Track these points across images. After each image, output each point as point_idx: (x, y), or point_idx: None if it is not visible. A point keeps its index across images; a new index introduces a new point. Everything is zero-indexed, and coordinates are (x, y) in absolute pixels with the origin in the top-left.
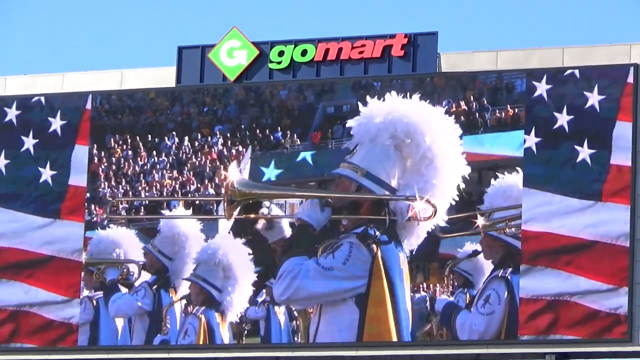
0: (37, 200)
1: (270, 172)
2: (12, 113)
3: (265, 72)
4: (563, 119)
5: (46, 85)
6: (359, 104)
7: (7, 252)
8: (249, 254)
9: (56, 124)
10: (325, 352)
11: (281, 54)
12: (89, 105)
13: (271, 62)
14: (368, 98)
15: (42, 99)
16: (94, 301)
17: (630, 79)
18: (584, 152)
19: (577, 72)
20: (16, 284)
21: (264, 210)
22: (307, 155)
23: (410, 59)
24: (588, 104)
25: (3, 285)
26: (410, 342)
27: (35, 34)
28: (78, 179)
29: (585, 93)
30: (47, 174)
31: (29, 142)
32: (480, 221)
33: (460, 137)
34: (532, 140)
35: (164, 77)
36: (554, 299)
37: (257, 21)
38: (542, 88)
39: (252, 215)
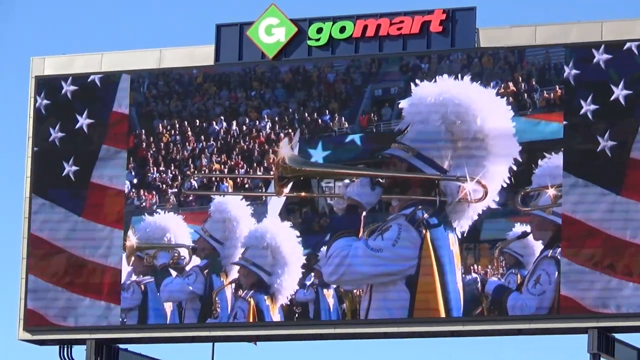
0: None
1: (318, 155)
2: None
3: (304, 49)
4: (588, 107)
5: (85, 65)
6: (410, 84)
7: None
8: (297, 237)
9: (84, 120)
10: (372, 329)
11: (319, 31)
12: (116, 107)
13: (309, 39)
14: (417, 81)
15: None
16: (142, 286)
17: None
18: (605, 143)
19: (602, 62)
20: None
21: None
22: (355, 137)
23: (448, 34)
24: (613, 97)
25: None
26: (444, 317)
27: (72, 13)
28: (114, 182)
29: (612, 86)
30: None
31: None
32: (539, 200)
33: (512, 119)
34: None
35: (202, 55)
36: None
37: None
38: (570, 69)
39: (303, 194)
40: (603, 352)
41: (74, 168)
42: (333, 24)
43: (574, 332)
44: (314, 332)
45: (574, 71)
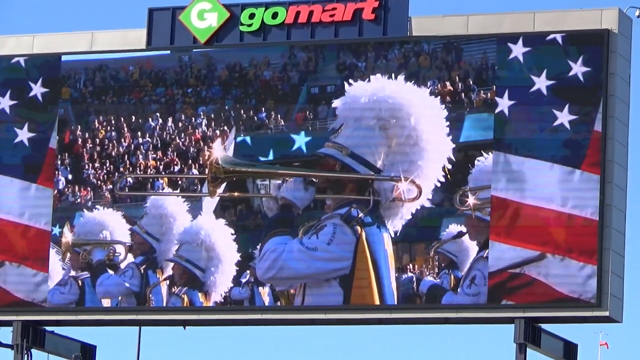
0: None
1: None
2: None
3: (236, 34)
4: (542, 82)
5: (17, 46)
6: (345, 83)
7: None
8: (232, 234)
9: (37, 89)
10: (307, 315)
11: (252, 16)
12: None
13: (242, 24)
14: (351, 81)
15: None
16: (80, 281)
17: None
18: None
19: (559, 37)
20: None
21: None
22: (302, 144)
23: (381, 22)
24: (571, 73)
25: None
26: (376, 305)
27: None
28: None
29: (569, 62)
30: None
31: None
32: (471, 200)
33: (446, 118)
34: (505, 103)
35: (134, 39)
36: (521, 272)
37: None
38: (518, 50)
39: (237, 194)
40: (529, 342)
41: None
42: (265, 10)
43: (500, 321)
44: (248, 318)
45: (523, 49)
